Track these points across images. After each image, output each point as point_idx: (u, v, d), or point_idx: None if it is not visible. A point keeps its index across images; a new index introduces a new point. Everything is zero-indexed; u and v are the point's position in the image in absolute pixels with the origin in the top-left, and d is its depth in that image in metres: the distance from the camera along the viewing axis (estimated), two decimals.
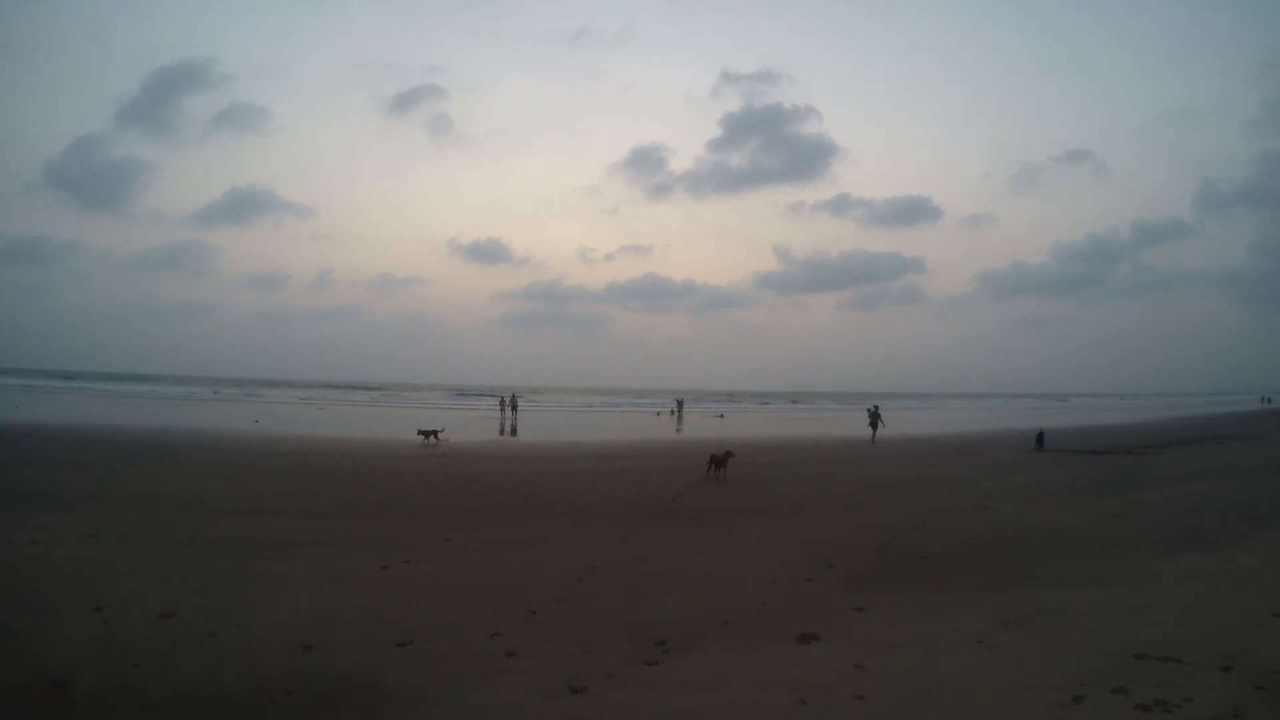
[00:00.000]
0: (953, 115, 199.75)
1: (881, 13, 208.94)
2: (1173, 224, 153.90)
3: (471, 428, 28.39)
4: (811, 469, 15.97)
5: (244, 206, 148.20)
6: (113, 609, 5.30)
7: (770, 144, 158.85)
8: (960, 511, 10.12)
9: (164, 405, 38.81)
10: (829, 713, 3.87)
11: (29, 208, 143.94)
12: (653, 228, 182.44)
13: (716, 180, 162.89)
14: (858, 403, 71.54)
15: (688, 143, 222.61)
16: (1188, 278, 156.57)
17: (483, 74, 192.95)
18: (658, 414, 43.44)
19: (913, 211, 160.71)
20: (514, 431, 27.52)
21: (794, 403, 76.92)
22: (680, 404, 47.51)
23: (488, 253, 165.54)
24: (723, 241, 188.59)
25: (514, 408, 36.40)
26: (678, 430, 30.37)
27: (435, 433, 20.59)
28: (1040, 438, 21.28)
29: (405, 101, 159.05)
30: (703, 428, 31.47)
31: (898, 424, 26.10)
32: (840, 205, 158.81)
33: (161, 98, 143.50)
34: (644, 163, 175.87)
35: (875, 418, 25.05)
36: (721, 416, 42.59)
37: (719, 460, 13.49)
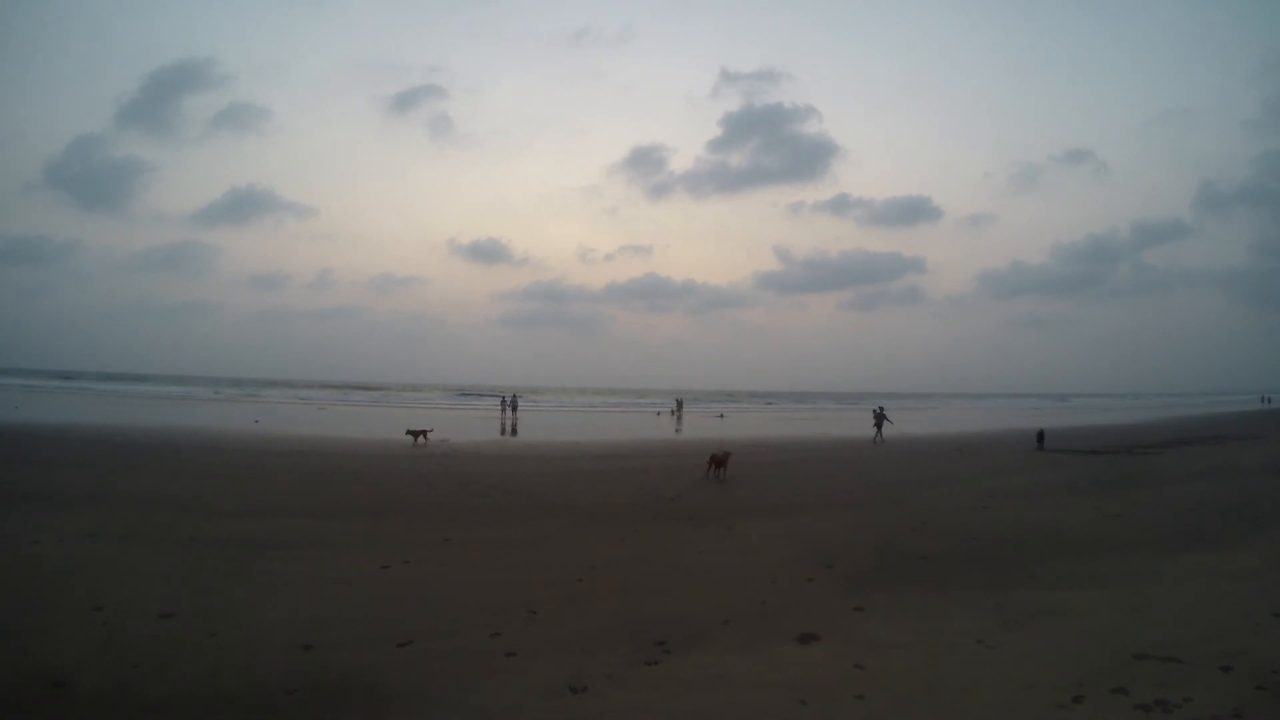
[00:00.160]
0: (953, 115, 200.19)
1: (881, 13, 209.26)
2: (1173, 224, 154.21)
3: (472, 428, 28.39)
4: (811, 469, 15.97)
5: (244, 206, 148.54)
6: (113, 609, 5.30)
7: (770, 144, 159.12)
8: (960, 511, 10.12)
9: (164, 405, 38.80)
10: (829, 713, 3.87)
11: (29, 208, 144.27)
12: (653, 228, 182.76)
13: (716, 180, 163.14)
14: (858, 403, 71.67)
15: (688, 143, 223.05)
16: (1188, 278, 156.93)
17: (483, 74, 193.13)
18: (657, 414, 43.44)
19: (913, 211, 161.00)
20: (514, 431, 27.52)
21: (798, 403, 76.88)
22: (680, 404, 47.55)
23: (488, 253, 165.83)
24: (723, 241, 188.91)
25: (514, 408, 36.41)
26: (677, 430, 30.37)
27: (424, 433, 20.45)
28: (1040, 437, 21.30)
29: (405, 101, 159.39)
30: (703, 428, 31.47)
31: (898, 424, 26.10)
32: (840, 205, 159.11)
33: (161, 98, 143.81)
34: (644, 163, 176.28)
35: (881, 418, 25.08)
36: (721, 416, 42.59)
37: (719, 460, 13.49)
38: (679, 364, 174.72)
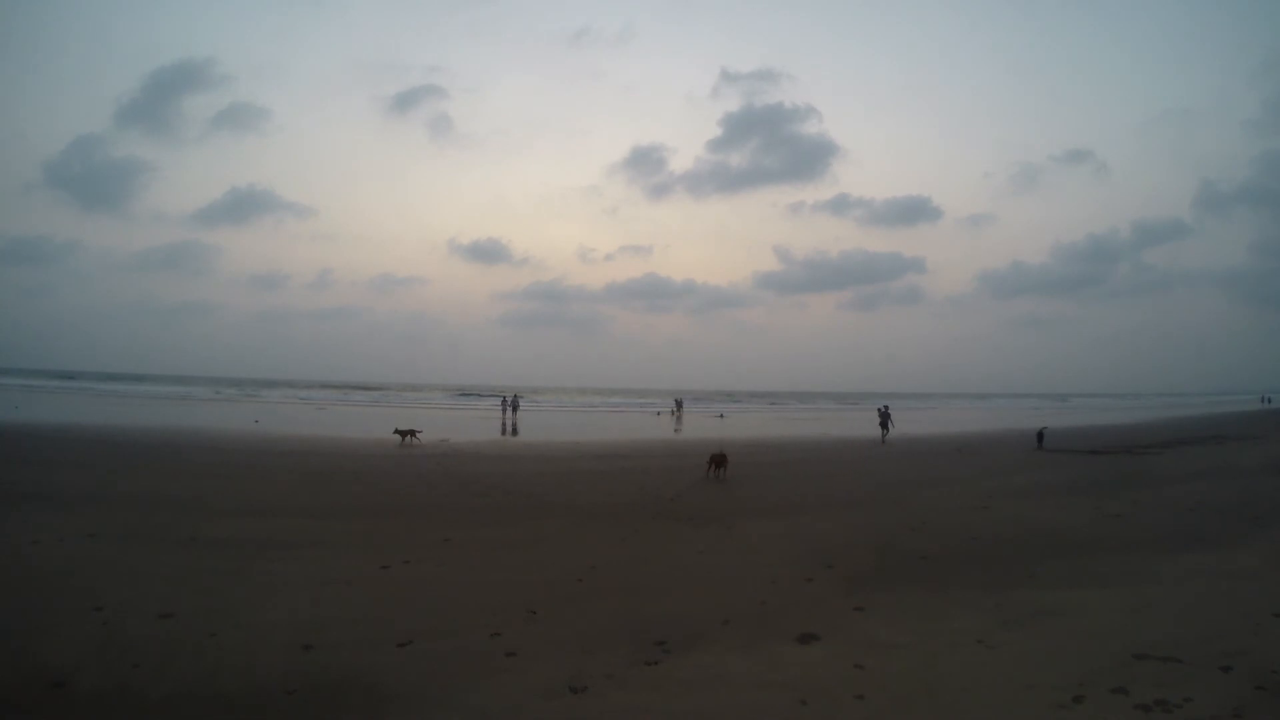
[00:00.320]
0: (953, 115, 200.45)
1: (881, 13, 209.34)
2: (1173, 224, 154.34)
3: (472, 428, 28.39)
4: (811, 469, 15.97)
5: (244, 206, 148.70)
6: (113, 609, 5.30)
7: (770, 144, 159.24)
8: (960, 511, 10.12)
9: (164, 405, 38.80)
10: (829, 713, 3.87)
11: (29, 208, 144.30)
12: (653, 228, 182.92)
13: (716, 180, 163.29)
14: (858, 403, 71.62)
15: (688, 143, 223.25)
16: (1188, 278, 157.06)
17: (483, 74, 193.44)
18: (657, 414, 43.45)
19: (913, 211, 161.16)
20: (515, 431, 27.52)
21: (798, 403, 76.86)
22: (679, 404, 47.55)
23: (488, 253, 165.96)
24: (723, 241, 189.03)
25: (515, 408, 36.41)
26: (676, 430, 30.37)
27: (412, 433, 20.23)
28: (1040, 436, 21.31)
29: (405, 101, 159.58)
30: (702, 428, 31.46)
31: (898, 424, 26.11)
32: (840, 205, 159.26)
33: (161, 98, 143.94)
34: (644, 163, 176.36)
35: (885, 417, 25.12)
36: (721, 416, 42.59)
37: (719, 460, 13.48)
38: (679, 364, 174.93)
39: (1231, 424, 31.63)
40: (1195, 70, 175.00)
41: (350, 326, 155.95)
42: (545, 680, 4.25)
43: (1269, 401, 62.61)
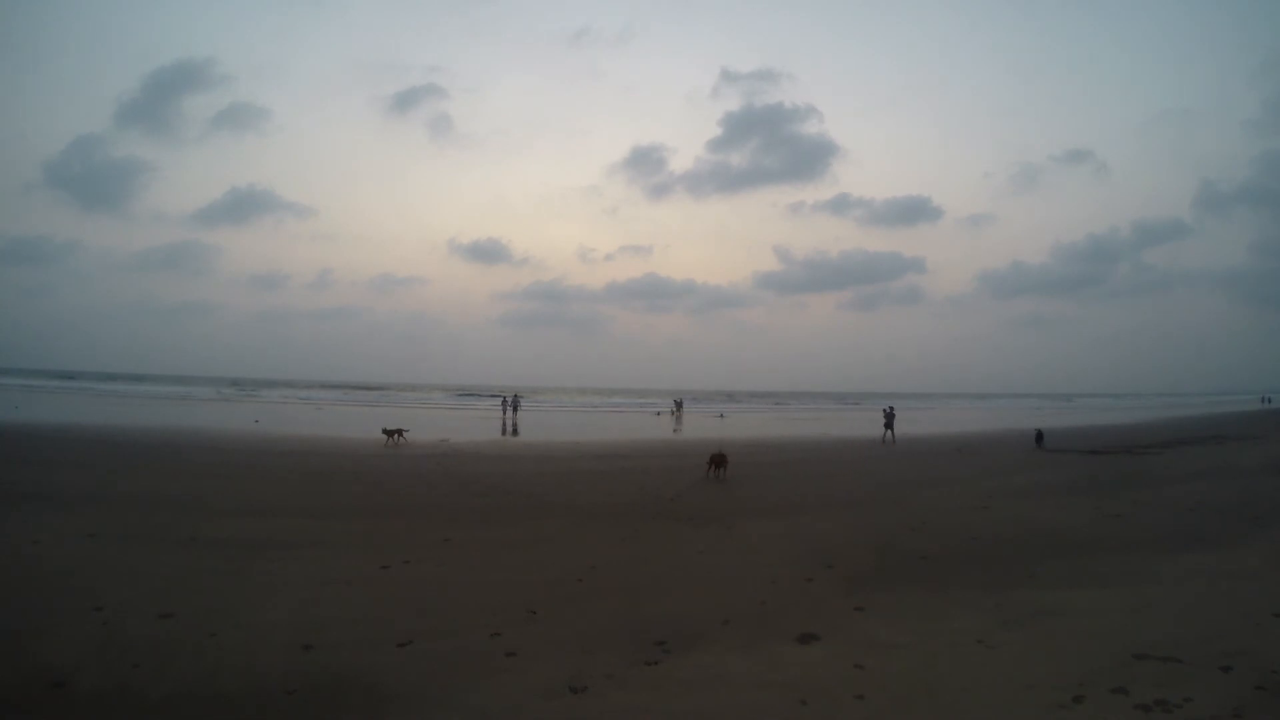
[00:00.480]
0: (953, 115, 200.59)
1: (881, 13, 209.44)
2: (1173, 224, 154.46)
3: (472, 428, 28.39)
4: (811, 469, 15.97)
5: (244, 206, 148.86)
6: (113, 609, 5.30)
7: (770, 144, 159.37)
8: (960, 511, 10.12)
9: (164, 405, 38.80)
10: (829, 713, 3.87)
11: (29, 208, 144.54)
12: (653, 228, 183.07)
13: (716, 180, 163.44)
14: (858, 403, 71.62)
15: (688, 143, 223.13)
16: (1188, 278, 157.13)
17: (483, 74, 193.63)
18: (657, 414, 43.44)
19: (913, 211, 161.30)
20: (515, 431, 27.52)
21: (798, 403, 76.86)
22: (679, 404, 47.54)
23: (488, 253, 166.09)
24: (723, 241, 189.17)
25: (515, 408, 36.40)
26: (675, 430, 30.37)
27: (399, 432, 20.09)
28: (1039, 436, 21.33)
29: (405, 101, 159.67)
30: (702, 428, 31.46)
31: (898, 424, 26.10)
32: (840, 205, 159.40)
33: (161, 98, 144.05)
34: (644, 163, 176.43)
35: (890, 417, 25.16)
36: (721, 416, 42.59)
37: (719, 460, 13.48)
38: (679, 364, 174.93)
39: (1231, 424, 31.64)
40: (1195, 70, 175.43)
41: (350, 326, 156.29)
42: (545, 680, 4.25)
43: (1269, 401, 62.63)
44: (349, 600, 5.79)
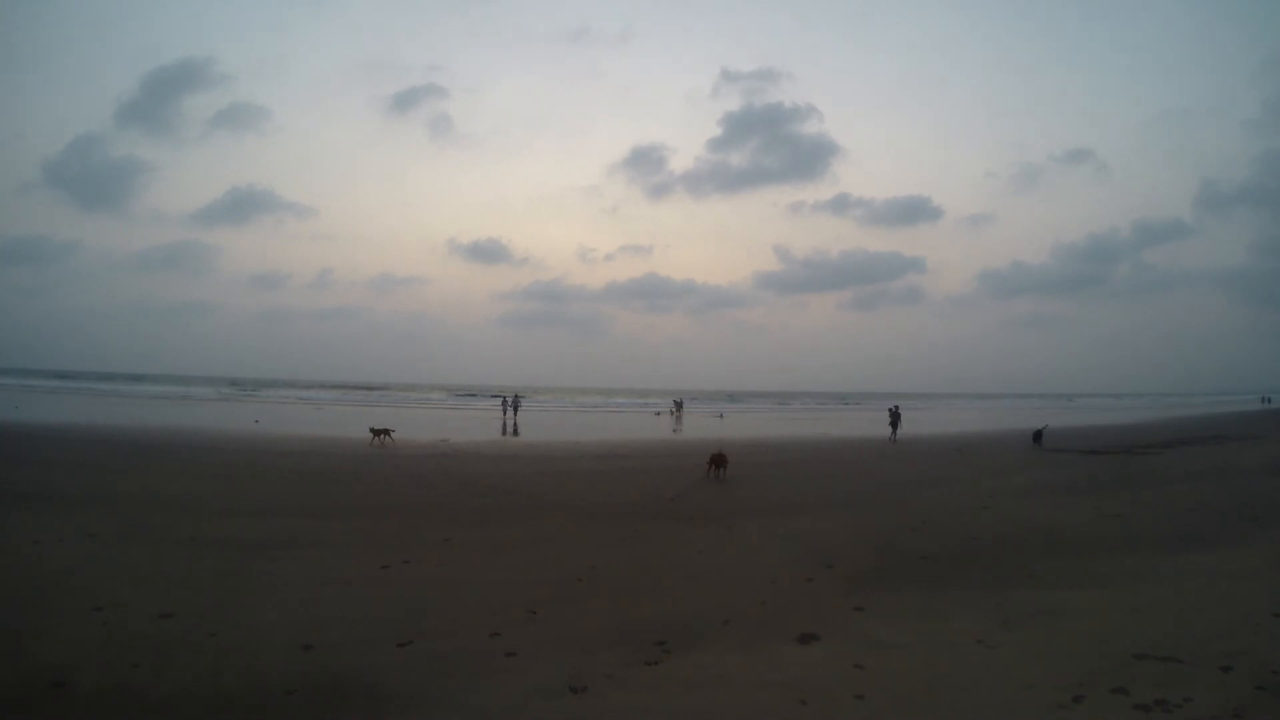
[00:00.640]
0: (953, 115, 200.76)
1: (881, 13, 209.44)
2: (1173, 224, 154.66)
3: (472, 428, 28.39)
4: (811, 469, 15.96)
5: (244, 206, 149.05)
6: (113, 609, 5.30)
7: (770, 143, 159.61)
8: (960, 511, 10.12)
9: (164, 405, 38.80)
10: (829, 713, 3.87)
11: (28, 207, 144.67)
12: (653, 227, 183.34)
13: (716, 180, 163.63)
14: (858, 403, 71.61)
15: (688, 142, 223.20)
16: (1188, 278, 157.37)
17: (483, 74, 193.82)
18: (657, 414, 43.44)
19: (913, 211, 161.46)
20: (515, 432, 27.51)
21: (798, 403, 76.83)
22: (679, 404, 47.53)
23: (487, 253, 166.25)
24: (723, 241, 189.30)
25: (515, 408, 36.37)
26: (675, 430, 30.37)
27: (386, 431, 19.99)
28: (1037, 436, 21.34)
29: (405, 101, 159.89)
30: (702, 428, 31.46)
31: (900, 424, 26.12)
32: (840, 205, 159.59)
33: (161, 97, 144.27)
34: (644, 162, 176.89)
35: (896, 417, 25.19)
36: (721, 416, 42.59)
37: (719, 460, 13.48)
38: (679, 364, 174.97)
39: (1231, 424, 31.64)
40: (1195, 70, 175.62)
41: (350, 326, 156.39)
42: (545, 680, 4.25)
43: (1269, 401, 62.63)
44: (349, 600, 5.79)
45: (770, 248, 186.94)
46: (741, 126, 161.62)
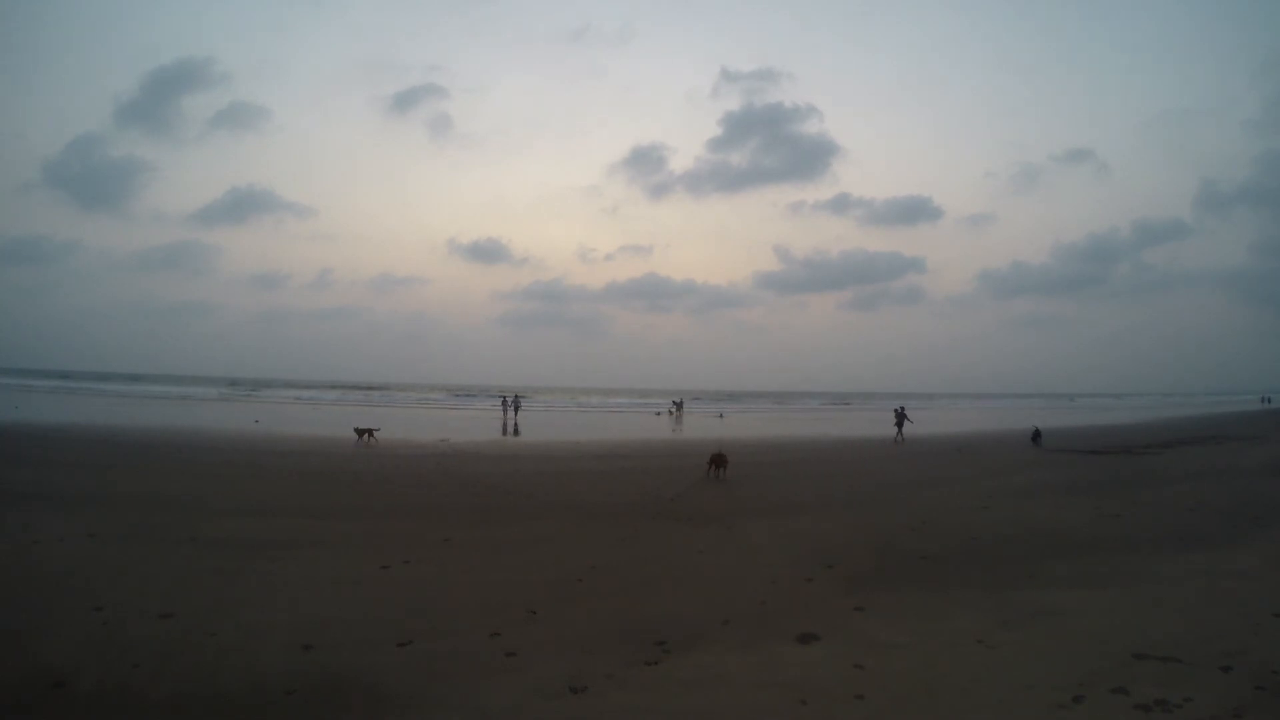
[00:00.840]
0: (953, 115, 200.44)
1: (881, 13, 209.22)
2: (1173, 224, 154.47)
3: (472, 428, 28.39)
4: (812, 469, 15.96)
5: (244, 206, 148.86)
6: (113, 609, 5.30)
7: (770, 143, 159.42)
8: (960, 511, 10.12)
9: (163, 405, 38.80)
10: (829, 713, 3.87)
11: (28, 207, 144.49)
12: (653, 227, 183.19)
13: (717, 180, 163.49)
14: (859, 403, 71.62)
15: (688, 142, 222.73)
16: (1188, 278, 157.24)
17: (483, 74, 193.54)
18: (657, 414, 43.44)
19: (913, 211, 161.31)
20: (515, 432, 27.51)
21: (798, 403, 76.85)
22: (679, 404, 47.54)
23: (487, 253, 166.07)
24: (723, 241, 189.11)
25: (515, 408, 36.38)
26: (675, 430, 30.37)
27: (371, 431, 20.02)
28: (1036, 436, 21.34)
29: (405, 101, 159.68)
30: (702, 428, 31.46)
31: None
32: (840, 205, 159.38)
33: (161, 97, 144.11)
34: (644, 162, 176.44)
35: (902, 417, 25.26)
36: (721, 416, 42.59)
37: (719, 460, 13.48)
38: (679, 364, 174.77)
39: (1231, 424, 31.66)
40: (1195, 70, 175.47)
41: (350, 326, 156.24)
42: (545, 680, 4.25)
43: (1269, 401, 62.65)
44: (349, 600, 5.79)
45: (770, 248, 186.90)
46: (741, 126, 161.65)
